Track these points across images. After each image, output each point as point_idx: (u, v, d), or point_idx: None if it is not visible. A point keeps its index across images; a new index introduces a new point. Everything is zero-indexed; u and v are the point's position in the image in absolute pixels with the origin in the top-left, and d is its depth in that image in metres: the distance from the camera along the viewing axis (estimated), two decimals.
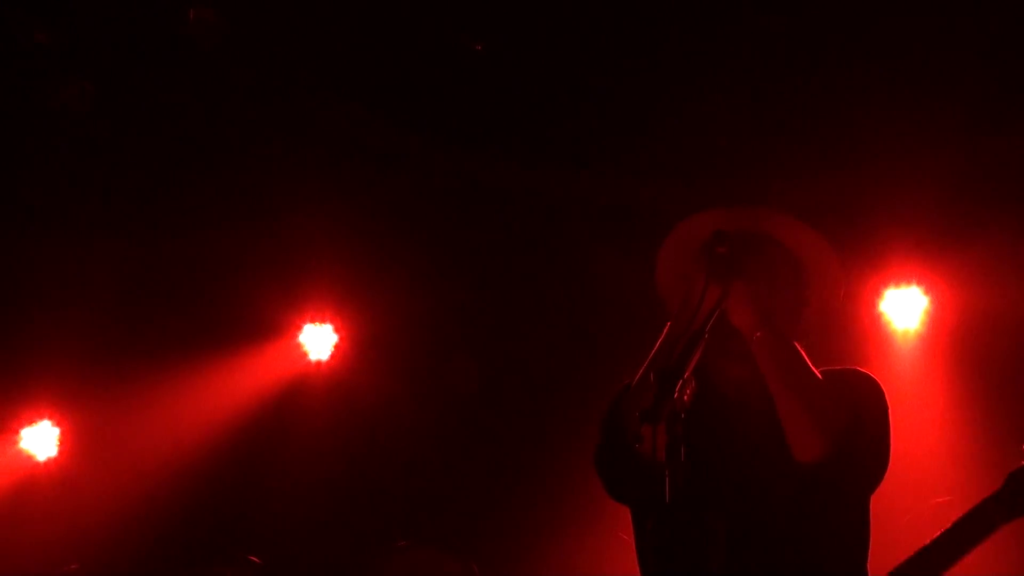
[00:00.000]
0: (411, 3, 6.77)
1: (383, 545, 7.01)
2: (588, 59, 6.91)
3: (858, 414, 3.84)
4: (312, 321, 7.40)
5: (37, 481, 7.56)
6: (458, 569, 6.96)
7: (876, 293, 6.85)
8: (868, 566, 3.85)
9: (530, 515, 7.01)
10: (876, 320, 6.89)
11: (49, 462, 7.51)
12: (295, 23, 6.91)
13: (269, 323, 7.44)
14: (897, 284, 6.93)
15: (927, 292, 6.94)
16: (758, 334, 3.76)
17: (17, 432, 7.48)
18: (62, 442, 7.49)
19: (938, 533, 3.70)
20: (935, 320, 7.01)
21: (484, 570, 6.99)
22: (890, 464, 3.80)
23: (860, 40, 6.80)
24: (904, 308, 6.94)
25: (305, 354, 7.41)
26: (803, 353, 3.80)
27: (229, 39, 6.89)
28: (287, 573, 7.20)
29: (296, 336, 7.43)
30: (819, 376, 3.81)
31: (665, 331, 3.78)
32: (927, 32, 6.70)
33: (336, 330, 7.43)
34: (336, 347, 7.46)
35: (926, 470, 6.56)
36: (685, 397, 3.37)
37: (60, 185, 7.27)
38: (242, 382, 7.38)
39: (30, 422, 7.51)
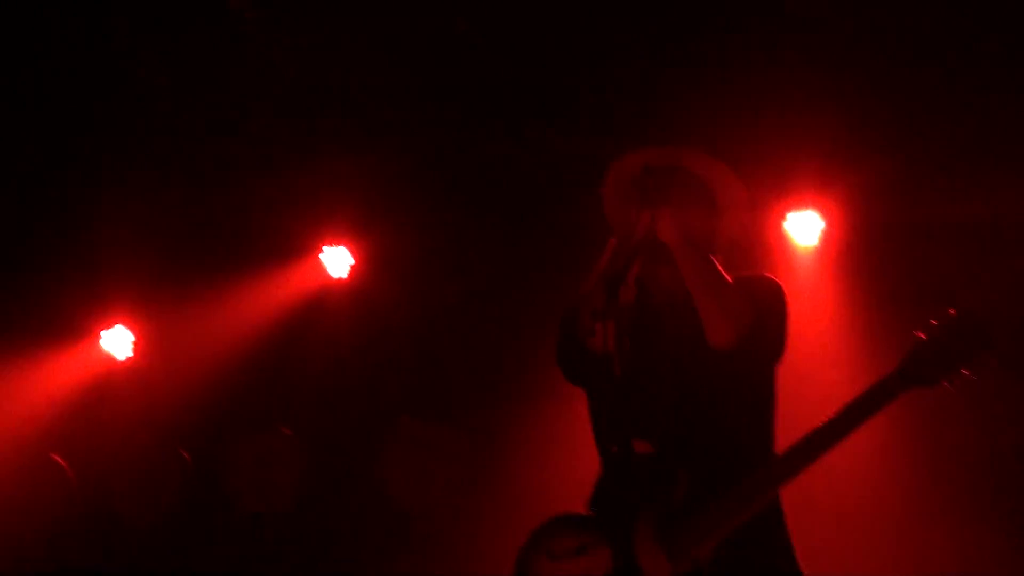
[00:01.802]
0: None
1: (392, 420, 7.66)
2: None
3: (761, 309, 4.15)
4: (332, 244, 7.70)
5: (115, 375, 7.92)
6: (450, 435, 7.57)
7: (781, 215, 7.08)
8: (779, 431, 4.17)
9: (508, 397, 7.28)
10: (781, 238, 7.10)
11: (126, 361, 7.93)
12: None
13: (298, 247, 7.74)
14: (798, 208, 7.13)
15: (823, 215, 7.15)
16: (681, 248, 4.09)
17: (98, 335, 7.89)
18: (135, 343, 7.91)
19: (834, 405, 3.89)
20: (829, 238, 7.16)
21: (470, 436, 7.62)
22: (791, 351, 4.16)
23: None
24: (804, 228, 7.13)
25: (326, 271, 7.74)
26: (717, 263, 4.13)
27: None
28: (311, 441, 7.70)
29: (315, 258, 7.74)
30: (730, 280, 4.13)
31: (609, 248, 4.12)
32: None
33: (352, 252, 7.73)
34: (352, 266, 7.73)
35: (819, 356, 6.70)
36: (628, 298, 3.84)
37: (145, 132, 7.46)
38: (278, 292, 7.75)
39: (108, 326, 7.89)
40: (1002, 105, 6.89)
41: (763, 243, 7.24)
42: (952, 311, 3.92)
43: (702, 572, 3.95)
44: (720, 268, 4.14)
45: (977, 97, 6.92)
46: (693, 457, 4.06)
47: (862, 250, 7.20)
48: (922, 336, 3.89)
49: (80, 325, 7.89)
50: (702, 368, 4.14)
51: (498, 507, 7.03)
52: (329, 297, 7.83)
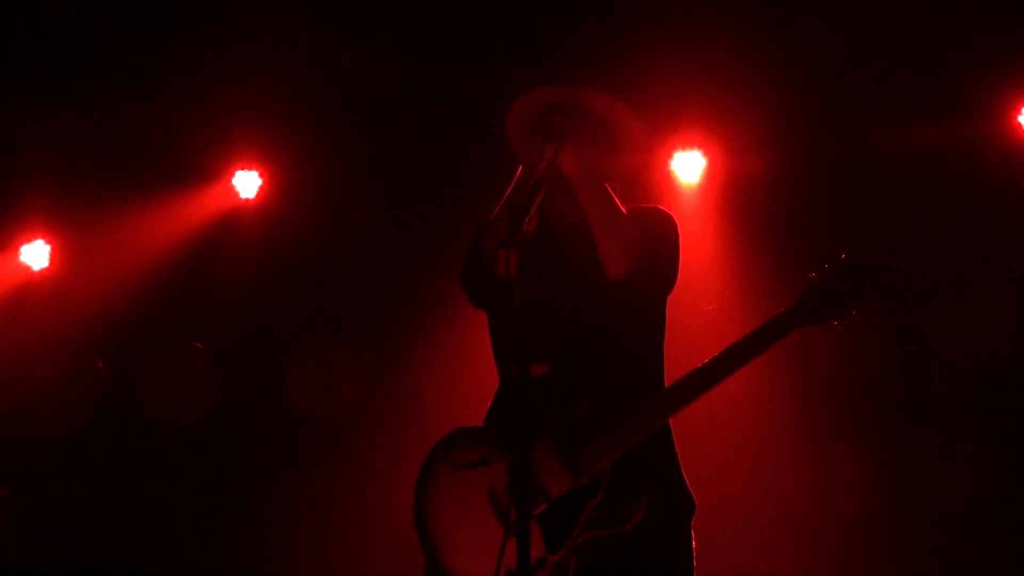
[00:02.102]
0: None
1: (298, 336, 7.73)
2: None
3: (654, 239, 4.24)
4: (243, 168, 7.72)
5: (33, 287, 7.88)
6: (350, 351, 7.61)
7: (668, 155, 7.21)
8: (667, 358, 4.27)
9: (411, 317, 7.38)
10: (667, 176, 7.23)
11: (42, 272, 7.89)
12: None
13: (212, 170, 7.75)
14: (683, 148, 7.26)
15: (705, 155, 7.30)
16: (582, 182, 4.15)
17: (17, 248, 7.83)
18: (52, 256, 7.87)
19: (711, 333, 4.43)
20: (710, 176, 7.32)
21: (374, 353, 7.66)
22: (677, 283, 4.29)
23: None
24: (688, 167, 7.29)
25: (237, 193, 7.75)
26: (614, 195, 4.18)
27: None
28: (222, 355, 7.69)
29: (231, 179, 7.75)
30: (625, 212, 4.19)
31: (515, 180, 4.16)
32: None
33: (261, 175, 7.75)
34: (260, 188, 7.76)
35: (701, 287, 6.87)
36: (531, 228, 3.70)
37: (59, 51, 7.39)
38: (193, 212, 7.76)
39: (27, 240, 7.84)
40: (879, 54, 7.01)
41: (651, 180, 7.24)
42: (844, 255, 4.04)
43: (598, 485, 4.03)
44: (618, 202, 4.19)
45: (854, 47, 7.02)
46: (588, 380, 4.14)
47: (741, 188, 7.28)
48: (816, 277, 3.99)
49: None
50: (598, 296, 4.20)
51: (400, 422, 7.09)
52: (240, 218, 7.83)
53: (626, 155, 4.39)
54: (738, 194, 7.27)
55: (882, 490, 6.98)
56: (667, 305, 4.32)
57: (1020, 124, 6.89)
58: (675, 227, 4.34)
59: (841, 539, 6.97)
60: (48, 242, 7.87)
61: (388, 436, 7.17)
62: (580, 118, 4.21)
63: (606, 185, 4.23)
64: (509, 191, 4.14)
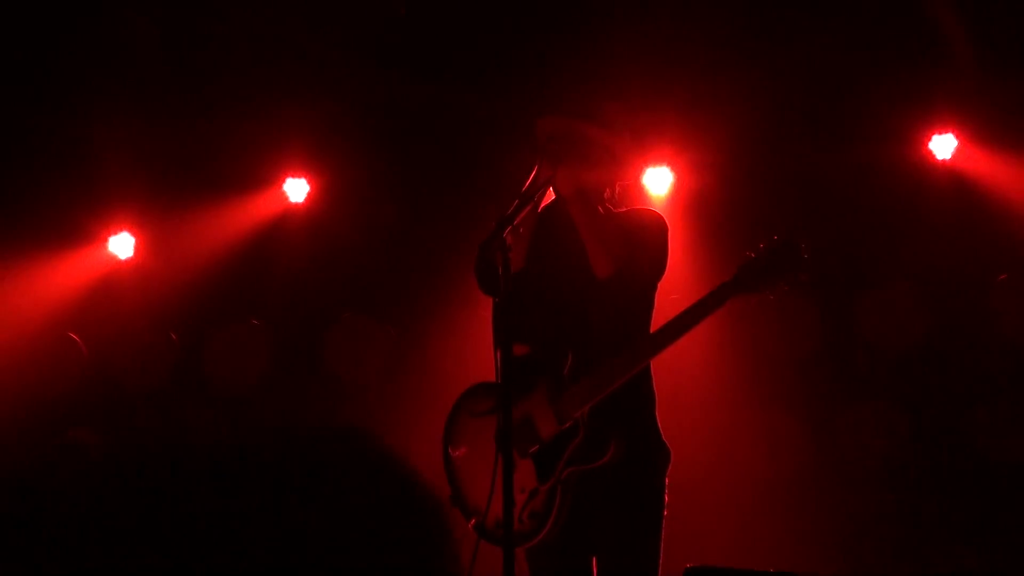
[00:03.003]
0: None
1: (337, 315, 7.82)
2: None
3: (637, 240, 4.27)
4: (293, 176, 7.82)
5: (119, 273, 7.97)
6: (378, 327, 7.71)
7: (641, 170, 7.11)
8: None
9: (433, 300, 7.39)
10: (640, 189, 7.06)
11: (127, 260, 7.97)
12: None
13: (267, 177, 7.85)
14: (654, 165, 7.24)
15: (673, 171, 7.29)
16: (573, 201, 4.26)
17: (106, 240, 7.93)
18: (135, 247, 7.96)
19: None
20: (677, 189, 7.31)
21: (399, 329, 7.76)
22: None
23: None
24: (658, 181, 7.28)
25: (287, 198, 7.86)
26: (600, 210, 4.29)
27: None
28: (275, 331, 7.83)
29: (282, 186, 7.85)
30: (611, 225, 4.26)
31: (526, 184, 4.14)
32: None
33: (308, 182, 7.84)
34: (307, 194, 7.85)
35: (669, 279, 6.35)
36: (526, 229, 4.02)
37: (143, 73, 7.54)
38: (251, 212, 7.86)
39: (114, 233, 7.93)
40: (819, 91, 7.07)
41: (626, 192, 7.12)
42: (776, 237, 4.15)
43: (578, 428, 4.17)
44: (602, 216, 4.28)
45: (798, 84, 7.06)
46: (573, 347, 4.25)
47: (703, 200, 7.29)
48: (751, 255, 4.13)
49: (92, 231, 7.91)
50: (586, 289, 4.28)
51: (419, 385, 7.15)
52: (291, 218, 7.91)
53: (623, 168, 4.53)
54: (700, 204, 7.26)
55: (813, 448, 7.06)
56: (655, 293, 4.41)
57: (929, 150, 7.00)
58: (661, 225, 4.40)
59: (779, 487, 6.99)
60: (132, 235, 7.94)
61: (409, 397, 7.19)
62: (579, 142, 4.29)
63: (594, 205, 4.29)
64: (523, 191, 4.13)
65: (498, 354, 3.88)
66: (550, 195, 4.38)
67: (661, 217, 4.47)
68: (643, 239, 4.33)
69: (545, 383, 4.29)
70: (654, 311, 4.42)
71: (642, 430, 4.26)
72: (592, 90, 5.80)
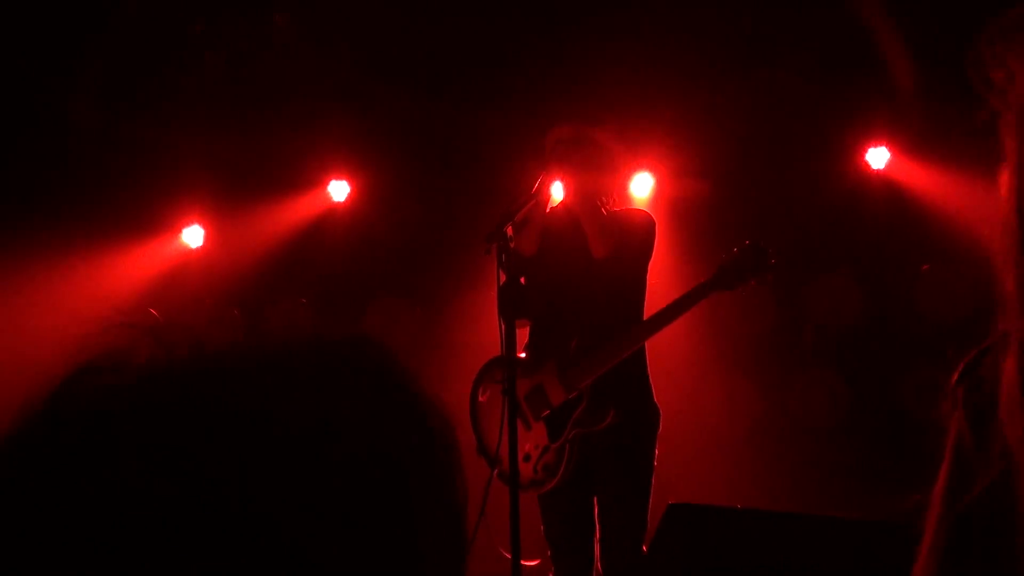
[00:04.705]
0: None
1: (373, 296, 7.72)
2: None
3: (628, 231, 4.37)
4: (336, 178, 7.82)
5: (191, 260, 8.00)
6: (408, 307, 7.66)
7: (630, 176, 6.98)
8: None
9: (456, 283, 7.24)
10: (625, 193, 6.66)
11: (197, 249, 7.99)
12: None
13: (314, 179, 7.89)
14: (637, 171, 7.16)
15: (653, 175, 7.27)
16: (576, 202, 4.39)
17: (179, 231, 7.96)
18: (205, 237, 7.99)
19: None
20: (657, 193, 7.29)
21: (424, 308, 7.63)
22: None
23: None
24: (641, 185, 7.22)
25: (331, 197, 7.88)
26: (601, 208, 4.37)
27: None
28: (321, 308, 7.65)
29: (326, 187, 7.84)
30: (607, 216, 4.33)
31: (536, 185, 4.21)
32: None
33: (349, 184, 7.83)
34: (348, 195, 7.85)
35: (654, 274, 6.09)
36: (516, 226, 4.03)
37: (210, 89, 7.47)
38: (300, 210, 7.92)
39: (187, 225, 7.94)
40: (777, 112, 7.04)
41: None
42: (748, 242, 4.23)
43: (582, 396, 4.27)
44: (602, 212, 4.36)
45: (758, 108, 7.03)
46: (578, 324, 4.30)
47: (682, 203, 7.25)
48: (725, 257, 4.22)
49: (166, 223, 7.94)
50: (591, 268, 4.37)
51: (442, 357, 7.01)
52: (334, 214, 7.92)
53: (619, 172, 4.62)
54: (679, 206, 7.23)
55: (768, 407, 7.07)
56: (647, 276, 4.47)
57: (866, 162, 7.03)
58: (648, 219, 4.49)
59: (741, 440, 7.01)
60: (202, 227, 7.95)
61: (434, 367, 6.82)
62: (585, 146, 4.35)
63: (594, 198, 4.36)
64: (529, 193, 4.21)
65: (502, 327, 3.97)
66: (556, 197, 4.47)
67: (649, 214, 4.59)
68: (633, 229, 4.42)
69: (555, 359, 4.37)
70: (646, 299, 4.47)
71: (637, 399, 4.35)
72: (593, 105, 6.12)
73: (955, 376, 1.16)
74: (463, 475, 0.85)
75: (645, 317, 4.41)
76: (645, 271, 4.46)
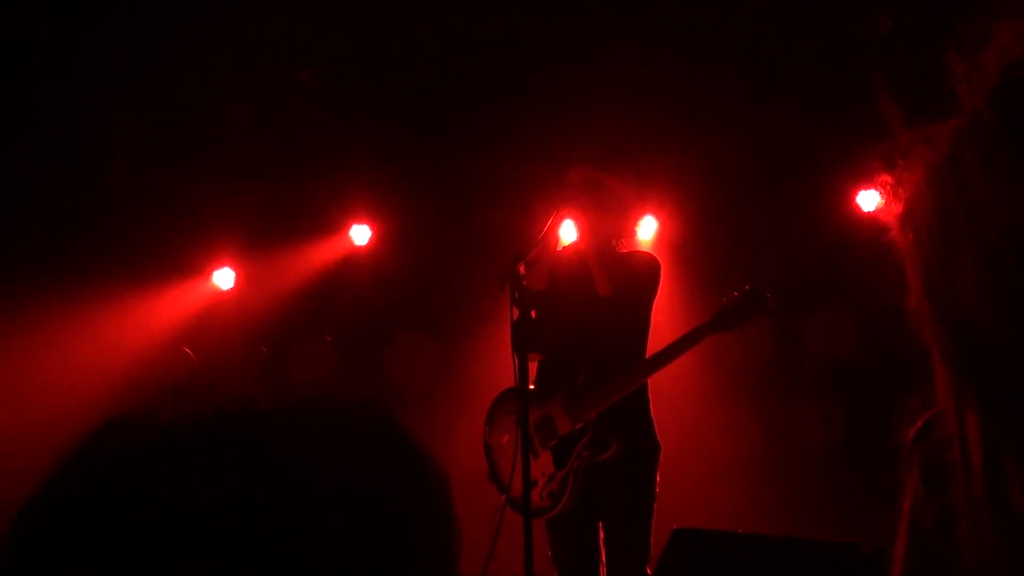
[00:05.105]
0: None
1: (393, 333, 7.82)
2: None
3: (633, 272, 4.40)
4: (357, 223, 7.88)
5: (221, 301, 8.03)
6: (426, 342, 7.67)
7: (638, 220, 6.73)
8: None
9: (469, 319, 7.22)
10: (634, 235, 6.04)
11: (228, 291, 8.03)
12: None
13: (336, 224, 7.94)
14: (643, 214, 7.11)
15: (656, 218, 7.32)
16: (584, 241, 4.46)
17: (210, 274, 7.99)
18: (235, 280, 8.02)
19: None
20: (660, 235, 7.34)
21: (442, 344, 7.69)
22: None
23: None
24: (646, 227, 7.26)
25: (353, 241, 7.94)
26: (611, 249, 4.41)
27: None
28: (344, 345, 7.75)
29: (349, 232, 7.89)
30: (614, 257, 4.38)
31: (546, 223, 4.22)
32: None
33: (370, 228, 7.90)
34: (370, 239, 7.91)
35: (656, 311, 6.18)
36: (527, 264, 3.97)
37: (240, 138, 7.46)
38: (326, 251, 7.96)
39: (217, 267, 7.97)
40: (771, 158, 7.03)
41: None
42: (747, 287, 4.18)
43: (587, 428, 4.28)
44: (609, 253, 4.41)
45: (754, 155, 7.01)
46: (585, 360, 4.32)
47: (683, 244, 7.29)
48: (725, 301, 4.19)
49: (198, 266, 7.96)
50: (597, 306, 4.39)
51: (458, 390, 7.05)
52: (356, 257, 7.98)
53: (628, 215, 4.65)
54: (682, 247, 7.27)
55: (766, 438, 7.07)
56: (651, 315, 4.46)
57: (857, 204, 6.98)
58: (653, 262, 4.52)
59: (740, 469, 6.99)
60: (232, 269, 7.98)
61: (451, 399, 7.11)
62: (596, 191, 4.40)
63: (606, 240, 4.40)
64: (540, 233, 4.22)
65: (515, 360, 3.95)
66: (565, 238, 4.65)
67: (654, 257, 4.60)
68: (637, 270, 4.45)
69: (564, 391, 4.39)
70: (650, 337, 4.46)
71: (639, 431, 4.34)
72: (600, 151, 5.95)
73: (910, 438, 1.13)
74: (458, 521, 0.89)
75: (650, 351, 4.41)
76: (649, 310, 4.45)
